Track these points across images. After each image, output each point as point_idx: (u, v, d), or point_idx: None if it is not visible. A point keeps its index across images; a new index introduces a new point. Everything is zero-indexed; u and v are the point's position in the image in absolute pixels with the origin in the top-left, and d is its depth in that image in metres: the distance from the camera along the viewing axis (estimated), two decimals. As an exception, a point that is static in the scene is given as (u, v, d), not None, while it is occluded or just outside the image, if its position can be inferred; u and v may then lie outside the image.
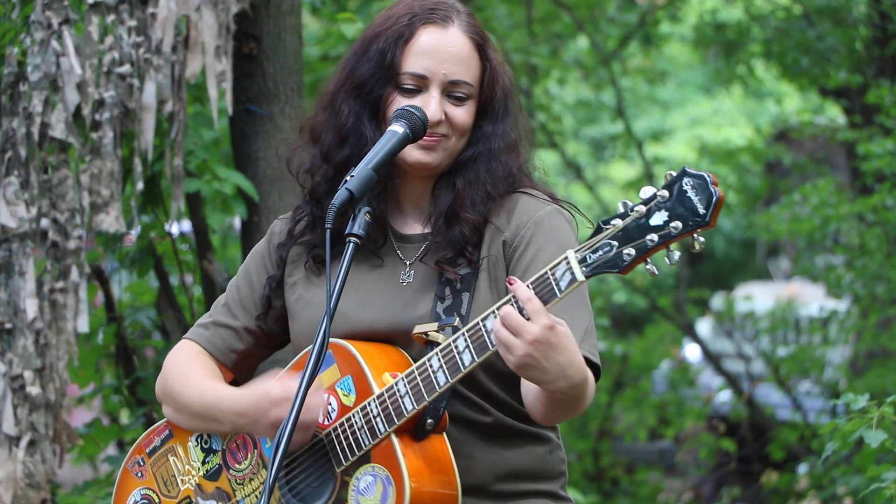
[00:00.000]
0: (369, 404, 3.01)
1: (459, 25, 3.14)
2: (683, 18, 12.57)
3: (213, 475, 3.23)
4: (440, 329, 3.02)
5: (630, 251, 2.76)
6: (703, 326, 13.96)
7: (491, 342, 2.88)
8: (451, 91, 3.12)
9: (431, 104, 3.09)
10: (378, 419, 2.99)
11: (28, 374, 4.60)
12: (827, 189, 8.82)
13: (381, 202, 3.14)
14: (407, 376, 2.98)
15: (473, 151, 3.15)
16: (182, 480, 3.26)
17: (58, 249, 4.67)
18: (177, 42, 4.75)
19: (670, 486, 11.25)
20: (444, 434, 3.04)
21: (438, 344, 2.98)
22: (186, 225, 5.78)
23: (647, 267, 2.77)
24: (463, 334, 2.91)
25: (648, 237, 2.74)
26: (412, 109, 3.08)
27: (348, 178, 2.99)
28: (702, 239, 2.73)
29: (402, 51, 3.11)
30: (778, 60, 10.22)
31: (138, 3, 4.73)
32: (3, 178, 4.66)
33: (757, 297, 11.69)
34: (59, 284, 4.66)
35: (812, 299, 11.64)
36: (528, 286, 2.83)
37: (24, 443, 4.59)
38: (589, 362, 2.93)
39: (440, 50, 3.11)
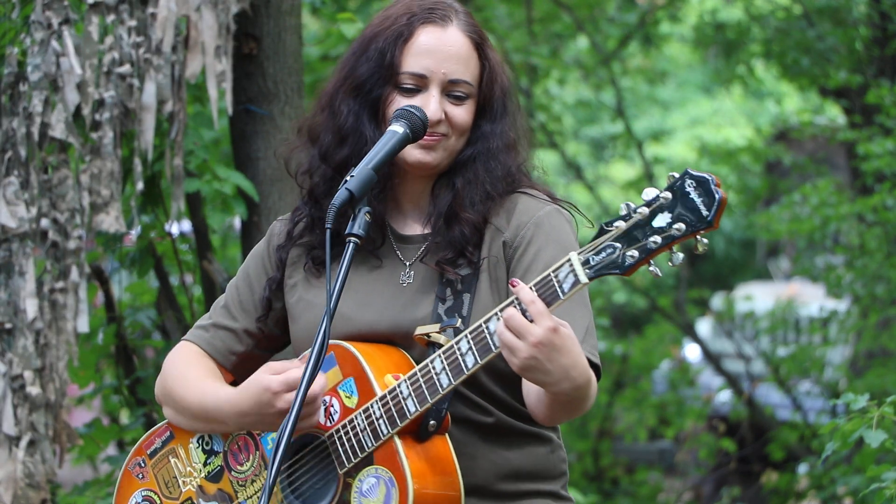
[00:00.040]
0: (372, 406, 3.01)
1: (458, 25, 3.14)
2: (683, 18, 12.56)
3: (214, 476, 3.23)
4: (442, 330, 3.02)
5: (633, 253, 2.76)
6: (703, 326, 13.96)
7: (494, 344, 2.88)
8: (450, 90, 3.12)
9: (431, 103, 3.09)
10: (381, 421, 2.99)
11: (28, 374, 4.60)
12: (827, 189, 8.82)
13: (381, 202, 3.14)
14: (409, 378, 2.98)
15: (472, 151, 3.15)
16: (183, 482, 3.26)
17: (58, 249, 4.67)
18: (177, 42, 4.75)
19: (670, 486, 11.25)
20: (447, 435, 3.04)
21: (440, 345, 2.99)
22: (186, 225, 5.78)
23: (651, 269, 2.77)
24: (466, 336, 2.91)
25: (652, 239, 2.74)
26: (412, 109, 3.08)
27: (348, 178, 2.99)
28: (705, 241, 2.73)
29: (401, 50, 3.11)
30: (778, 60, 10.22)
31: (138, 3, 4.73)
32: (3, 178, 4.66)
33: (757, 297, 11.69)
34: (59, 284, 4.66)
35: (812, 299, 11.64)
36: (531, 288, 2.83)
37: (24, 443, 4.59)
38: (589, 363, 2.93)
39: (439, 49, 3.11)
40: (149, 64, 4.72)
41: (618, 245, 2.77)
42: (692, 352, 13.72)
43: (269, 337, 3.29)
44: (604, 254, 2.78)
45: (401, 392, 2.98)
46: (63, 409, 4.69)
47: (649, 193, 2.76)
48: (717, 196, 2.70)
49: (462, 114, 3.13)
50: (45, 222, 4.66)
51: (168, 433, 3.29)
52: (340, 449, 3.04)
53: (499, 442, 3.11)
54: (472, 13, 3.24)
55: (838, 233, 9.77)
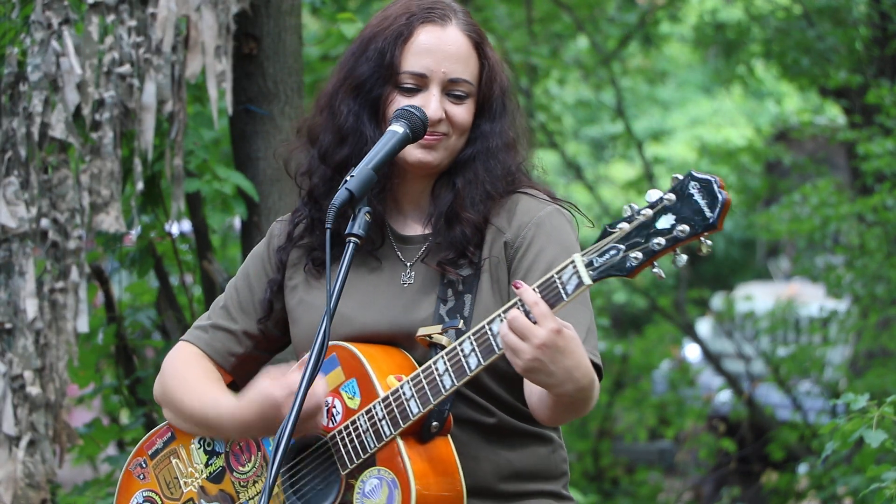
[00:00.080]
0: (374, 407, 3.01)
1: (457, 24, 3.14)
2: (683, 18, 12.56)
3: (216, 477, 3.23)
4: (443, 332, 3.02)
5: (637, 255, 2.76)
6: (703, 326, 13.96)
7: (497, 345, 2.88)
8: (450, 89, 3.12)
9: (432, 103, 3.09)
10: (383, 422, 2.99)
11: (28, 374, 4.60)
12: (827, 189, 8.81)
13: (380, 203, 3.13)
14: (412, 379, 2.97)
15: (472, 150, 3.15)
16: (185, 482, 3.26)
17: (58, 249, 4.67)
18: (177, 42, 4.75)
19: (670, 486, 11.25)
20: (449, 436, 3.04)
21: (442, 346, 2.99)
22: (186, 225, 5.78)
23: (655, 270, 2.77)
24: (469, 338, 2.91)
25: (655, 241, 2.74)
26: (412, 109, 3.07)
27: (348, 178, 2.99)
28: (709, 242, 2.73)
29: (401, 50, 3.10)
30: (778, 60, 10.22)
31: (138, 3, 4.73)
32: (3, 178, 4.66)
33: (757, 297, 11.68)
34: (59, 284, 4.66)
35: (812, 299, 11.63)
36: (534, 290, 2.83)
37: (24, 443, 4.59)
38: (591, 363, 2.93)
39: (439, 48, 3.11)
40: (149, 64, 4.72)
41: (621, 247, 2.77)
42: (692, 352, 13.72)
43: (268, 338, 3.29)
44: (607, 255, 2.78)
45: (404, 393, 2.98)
46: (63, 409, 4.69)
47: (653, 195, 2.76)
48: (720, 198, 2.70)
49: (462, 113, 3.13)
50: (45, 222, 4.66)
51: (169, 434, 3.29)
52: (343, 450, 3.04)
53: (500, 442, 3.11)
54: (472, 13, 3.24)
55: (838, 233, 9.77)
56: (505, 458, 3.12)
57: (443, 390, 2.94)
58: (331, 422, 3.05)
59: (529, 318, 2.81)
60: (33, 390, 4.59)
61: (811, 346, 10.66)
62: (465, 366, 2.92)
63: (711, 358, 11.40)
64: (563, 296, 2.82)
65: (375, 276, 3.15)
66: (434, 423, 3.01)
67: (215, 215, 5.15)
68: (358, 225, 2.97)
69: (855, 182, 9.56)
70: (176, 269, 5.52)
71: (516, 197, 3.15)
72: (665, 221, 2.73)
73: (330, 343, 3.05)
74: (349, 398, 3.04)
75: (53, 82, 4.68)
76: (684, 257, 2.74)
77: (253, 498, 3.17)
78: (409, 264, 3.15)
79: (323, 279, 3.17)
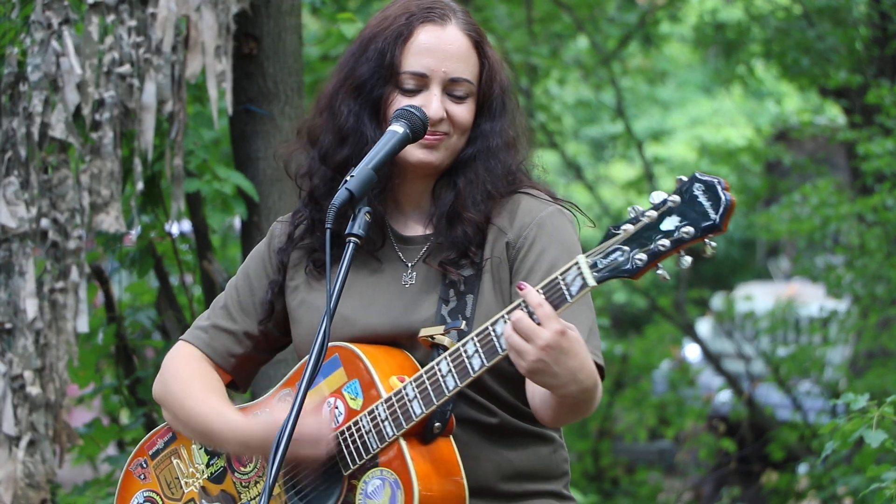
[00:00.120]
0: (377, 408, 3.00)
1: (457, 23, 3.14)
2: (683, 18, 12.56)
3: (217, 478, 3.22)
4: (445, 332, 3.02)
5: (641, 256, 2.75)
6: (703, 326, 13.96)
7: (501, 347, 2.87)
8: (451, 89, 3.12)
9: (433, 102, 3.09)
10: (386, 423, 2.99)
11: (28, 374, 4.60)
12: (827, 189, 8.81)
13: (381, 203, 3.13)
14: (415, 380, 2.97)
15: (473, 150, 3.15)
16: (186, 483, 3.25)
17: (58, 249, 4.67)
18: (177, 42, 4.75)
19: (670, 486, 11.25)
20: (451, 437, 3.04)
21: (444, 347, 2.99)
22: (186, 225, 5.78)
23: (659, 272, 2.77)
24: (472, 339, 2.91)
25: (660, 242, 2.74)
26: (412, 109, 3.07)
27: (348, 178, 2.98)
28: (714, 244, 2.72)
29: (401, 50, 3.10)
30: (778, 60, 10.22)
31: (138, 3, 4.73)
32: (3, 178, 4.66)
33: (757, 297, 11.68)
34: (59, 284, 4.66)
35: (812, 299, 11.63)
36: (538, 291, 2.82)
37: (24, 443, 4.59)
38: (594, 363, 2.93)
39: (439, 48, 3.10)
40: (149, 64, 4.72)
41: (626, 248, 2.77)
42: (692, 352, 13.72)
43: (268, 339, 3.28)
44: (612, 257, 2.78)
45: (406, 394, 2.97)
46: (63, 409, 4.69)
47: (657, 196, 2.75)
48: (725, 199, 2.69)
49: (463, 112, 3.12)
50: (45, 222, 4.66)
51: (170, 434, 3.28)
52: (345, 450, 3.04)
53: (502, 442, 3.11)
54: (472, 13, 3.24)
55: (838, 233, 9.77)
56: (506, 458, 3.11)
57: (446, 391, 2.94)
58: (333, 422, 3.05)
59: (533, 320, 2.81)
60: (33, 390, 4.59)
61: (811, 346, 10.66)
62: (469, 367, 2.92)
63: (711, 358, 11.40)
64: (568, 297, 2.82)
65: (377, 277, 3.15)
66: (437, 424, 3.01)
67: (215, 215, 5.15)
68: (358, 225, 2.96)
69: (855, 182, 9.56)
70: (176, 269, 5.52)
71: (518, 197, 3.15)
72: (669, 223, 2.73)
73: (332, 344, 3.06)
74: (351, 399, 3.04)
75: (53, 82, 4.68)
76: (689, 259, 2.74)
77: (255, 498, 3.17)
78: (410, 265, 3.15)
79: (324, 280, 3.17)
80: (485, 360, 2.90)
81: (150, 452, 3.30)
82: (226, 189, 5.03)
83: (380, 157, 3.02)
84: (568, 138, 15.78)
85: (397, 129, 3.05)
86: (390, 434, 2.99)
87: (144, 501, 3.30)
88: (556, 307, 2.81)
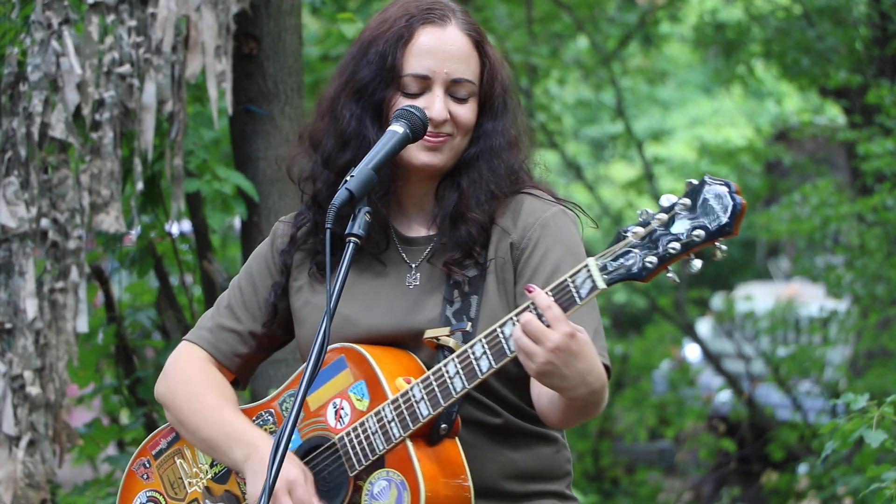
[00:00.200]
0: (383, 409, 3.00)
1: (457, 24, 3.13)
2: (683, 18, 12.56)
3: (221, 478, 3.22)
4: (451, 334, 3.02)
5: (652, 259, 2.75)
6: (703, 326, 13.95)
7: (509, 349, 2.88)
8: (453, 90, 3.11)
9: (436, 104, 3.09)
10: (392, 424, 2.99)
11: (28, 374, 4.60)
12: (827, 189, 8.81)
13: (384, 205, 3.13)
14: (422, 381, 2.97)
15: (476, 150, 3.14)
16: (189, 483, 3.25)
17: (58, 249, 4.67)
18: (177, 42, 4.75)
19: (670, 486, 11.25)
20: (457, 438, 3.04)
21: (449, 348, 2.99)
22: (186, 225, 5.78)
23: (669, 275, 2.76)
24: (480, 340, 2.91)
25: (671, 245, 2.73)
26: (412, 109, 3.07)
27: (348, 178, 2.98)
28: (724, 247, 2.72)
29: (402, 52, 3.10)
30: (778, 60, 10.21)
31: (138, 3, 4.73)
32: (3, 178, 4.66)
33: (757, 297, 11.68)
34: (59, 284, 4.66)
35: (812, 299, 11.63)
36: (547, 293, 2.82)
37: (24, 443, 4.59)
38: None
39: (441, 49, 3.10)
40: (149, 64, 4.72)
41: (636, 251, 2.77)
42: (692, 352, 13.72)
43: (271, 339, 3.28)
44: (621, 260, 2.78)
45: (413, 395, 2.97)
46: (63, 409, 4.69)
47: (668, 200, 2.75)
48: (737, 203, 2.69)
49: (466, 112, 3.12)
50: (45, 222, 4.66)
51: (173, 434, 3.28)
52: (351, 451, 3.04)
53: (506, 443, 3.11)
54: (472, 13, 3.23)
55: (838, 233, 9.77)
56: (510, 459, 3.12)
57: (453, 393, 2.94)
58: (339, 423, 3.05)
59: (542, 322, 2.81)
60: (33, 390, 4.59)
61: (811, 346, 10.65)
62: (477, 368, 2.92)
63: (711, 358, 11.40)
64: (577, 300, 2.82)
65: (381, 279, 3.15)
66: (443, 426, 3.01)
67: (215, 215, 5.15)
68: (358, 225, 2.96)
69: (855, 182, 9.56)
70: (176, 269, 5.52)
71: (521, 197, 3.15)
72: (680, 226, 2.73)
73: (338, 345, 3.06)
74: (357, 400, 3.04)
75: (53, 82, 4.68)
76: (699, 262, 2.73)
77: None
78: (413, 265, 3.15)
79: (327, 281, 3.16)
80: (493, 362, 2.90)
81: (154, 452, 3.30)
82: (226, 189, 5.03)
83: (380, 157, 3.01)
84: (568, 138, 15.77)
85: (397, 129, 3.05)
86: (397, 435, 2.99)
87: (147, 501, 3.30)
88: (565, 309, 2.81)
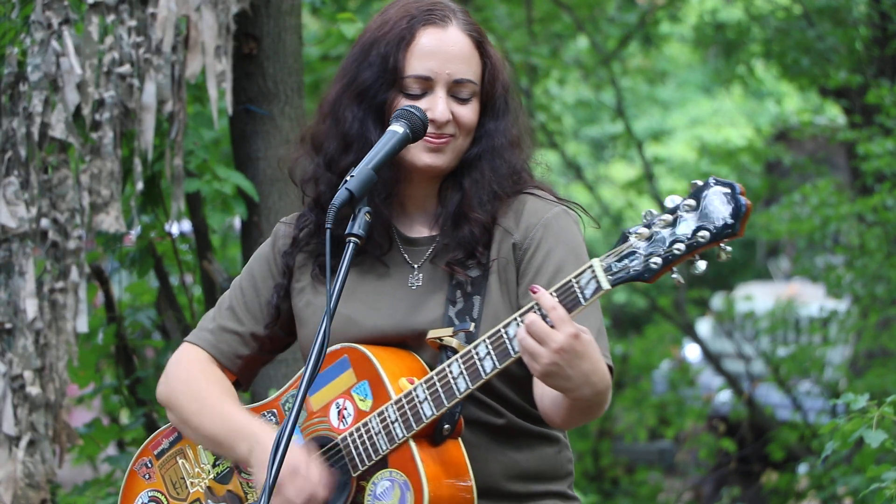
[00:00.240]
0: (387, 409, 3.00)
1: (458, 24, 3.13)
2: (683, 18, 12.56)
3: (224, 478, 3.22)
4: (454, 334, 3.02)
5: (657, 260, 2.75)
6: (703, 326, 13.95)
7: (513, 349, 2.87)
8: (455, 91, 3.11)
9: (439, 105, 3.08)
10: (396, 424, 2.99)
11: (28, 374, 4.60)
12: (827, 189, 8.81)
13: (387, 207, 3.12)
14: (426, 382, 2.97)
15: (478, 150, 3.14)
16: (191, 483, 3.25)
17: (58, 249, 4.67)
18: (177, 42, 4.75)
19: (670, 486, 11.25)
20: (459, 439, 3.04)
21: (452, 349, 2.99)
22: (186, 225, 5.78)
23: (674, 276, 2.76)
24: (484, 341, 2.91)
25: (675, 246, 2.73)
26: (412, 109, 3.07)
27: (348, 178, 2.98)
28: (728, 248, 2.72)
29: (403, 54, 3.09)
30: (778, 60, 10.22)
31: (138, 3, 4.73)
32: (3, 178, 4.66)
33: (757, 297, 11.68)
34: (59, 284, 4.66)
35: (812, 299, 11.63)
36: (551, 294, 2.82)
37: (24, 443, 4.59)
38: None
39: (442, 50, 3.10)
40: (149, 64, 4.72)
41: (640, 252, 2.76)
42: (692, 352, 13.72)
43: (273, 340, 3.28)
44: (626, 260, 2.78)
45: (417, 396, 2.97)
46: (63, 409, 4.69)
47: (673, 200, 2.75)
48: (742, 204, 2.69)
49: (468, 113, 3.12)
50: (45, 222, 4.66)
51: (175, 434, 3.28)
52: (354, 452, 3.04)
53: (508, 443, 3.11)
54: (472, 13, 3.23)
55: (838, 233, 9.77)
56: (512, 459, 3.12)
57: (457, 393, 2.94)
58: (342, 424, 3.05)
59: (546, 322, 2.80)
60: (33, 390, 4.59)
61: (811, 346, 10.66)
62: (481, 369, 2.92)
63: (711, 358, 11.40)
64: (582, 300, 2.82)
65: (383, 280, 3.15)
66: (446, 426, 3.01)
67: (215, 215, 5.15)
68: (358, 225, 2.96)
69: (855, 182, 9.56)
70: (176, 269, 5.52)
71: (523, 198, 3.15)
72: (685, 227, 2.73)
73: (341, 345, 3.06)
74: (360, 400, 3.04)
75: (53, 82, 4.68)
76: (703, 263, 2.73)
77: (260, 499, 3.16)
78: (416, 266, 3.15)
79: (330, 283, 3.16)
80: (497, 363, 2.90)
81: (155, 452, 3.30)
82: (226, 189, 5.03)
83: (380, 157, 3.01)
84: (568, 138, 15.77)
85: (397, 129, 3.05)
86: (400, 435, 2.99)
87: (149, 501, 3.30)
88: (569, 310, 2.81)
